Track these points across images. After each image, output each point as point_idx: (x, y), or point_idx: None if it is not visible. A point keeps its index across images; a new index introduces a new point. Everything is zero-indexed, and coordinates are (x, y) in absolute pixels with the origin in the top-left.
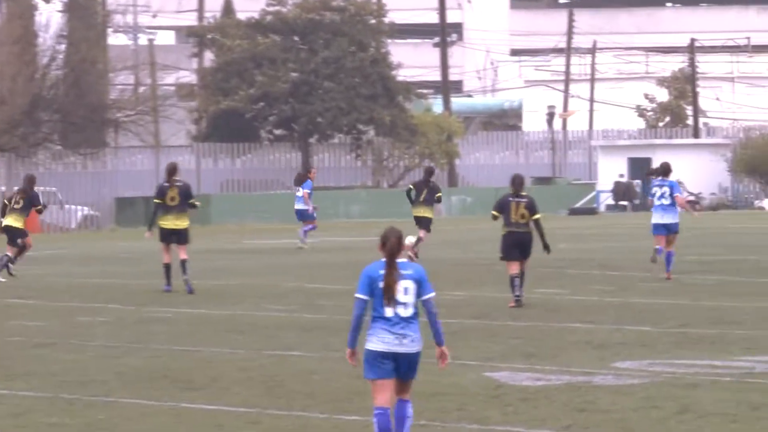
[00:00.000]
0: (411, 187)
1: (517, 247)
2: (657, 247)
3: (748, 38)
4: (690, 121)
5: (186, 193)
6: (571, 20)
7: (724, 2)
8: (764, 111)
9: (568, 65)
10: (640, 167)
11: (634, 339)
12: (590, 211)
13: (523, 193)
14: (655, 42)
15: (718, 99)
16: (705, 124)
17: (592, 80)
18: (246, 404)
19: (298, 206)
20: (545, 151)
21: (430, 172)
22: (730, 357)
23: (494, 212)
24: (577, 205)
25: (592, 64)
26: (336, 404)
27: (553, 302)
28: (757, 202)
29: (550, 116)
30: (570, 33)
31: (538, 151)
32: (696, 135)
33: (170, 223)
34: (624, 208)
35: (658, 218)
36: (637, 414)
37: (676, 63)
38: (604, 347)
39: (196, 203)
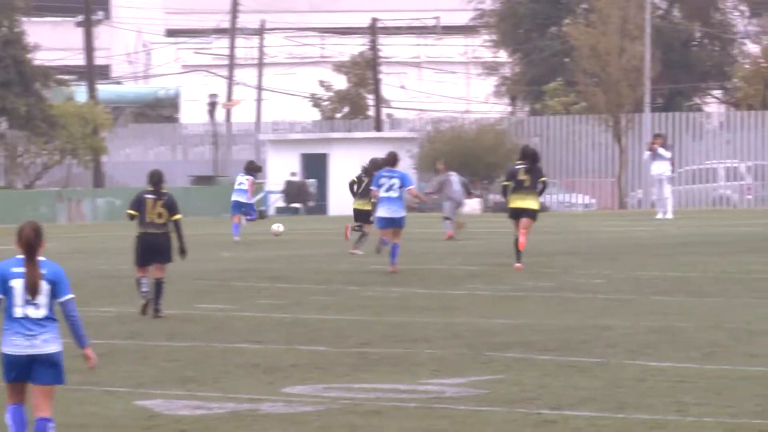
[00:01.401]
0: (355, 180)
1: (151, 250)
2: (383, 237)
3: (437, 18)
4: (372, 112)
5: None
6: None
7: None
8: (454, 100)
9: (232, 48)
10: (315, 164)
11: (308, 361)
12: (258, 214)
13: (163, 191)
14: (331, 22)
15: (403, 87)
16: (389, 115)
17: (260, 65)
18: None
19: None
20: (207, 146)
21: (375, 164)
22: (417, 380)
23: (130, 211)
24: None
25: (260, 47)
26: None
27: (217, 319)
28: None
29: (212, 106)
30: (234, 11)
31: (199, 146)
32: (378, 128)
33: None
34: (296, 210)
35: (383, 212)
36: None
37: (355, 46)
38: (273, 370)
39: None
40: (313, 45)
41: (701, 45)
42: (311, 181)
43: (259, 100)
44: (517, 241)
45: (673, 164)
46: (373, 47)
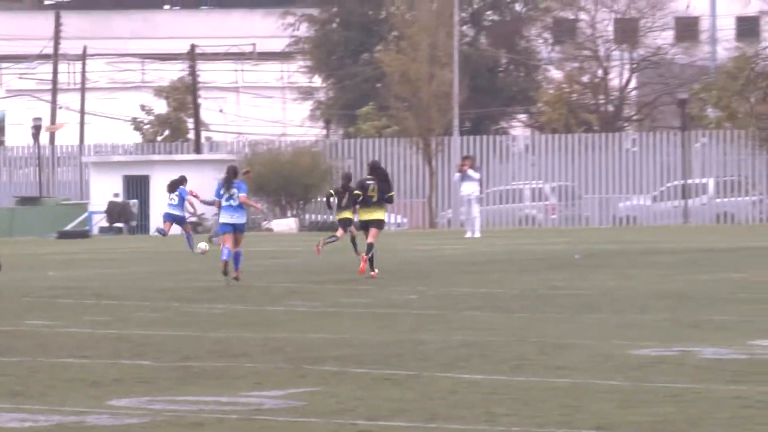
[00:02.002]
0: (331, 192)
1: None
2: (224, 248)
3: (254, 45)
4: (191, 135)
5: None
6: (58, 23)
7: (227, 6)
8: (271, 124)
9: (55, 73)
10: (136, 186)
11: (133, 375)
12: (82, 234)
13: None
14: (152, 48)
15: (221, 111)
16: (208, 138)
17: (83, 90)
18: None
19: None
20: (31, 168)
21: (348, 177)
22: (238, 392)
23: None
24: (68, 227)
25: (83, 72)
26: None
27: (43, 335)
28: (264, 223)
29: (37, 129)
30: (57, 37)
31: (24, 168)
32: (198, 150)
33: None
34: (120, 230)
35: (226, 218)
36: None
37: (175, 71)
38: (99, 384)
39: None
40: (134, 70)
41: (507, 71)
42: (133, 201)
43: (82, 124)
44: (369, 245)
45: (481, 185)
46: (193, 73)
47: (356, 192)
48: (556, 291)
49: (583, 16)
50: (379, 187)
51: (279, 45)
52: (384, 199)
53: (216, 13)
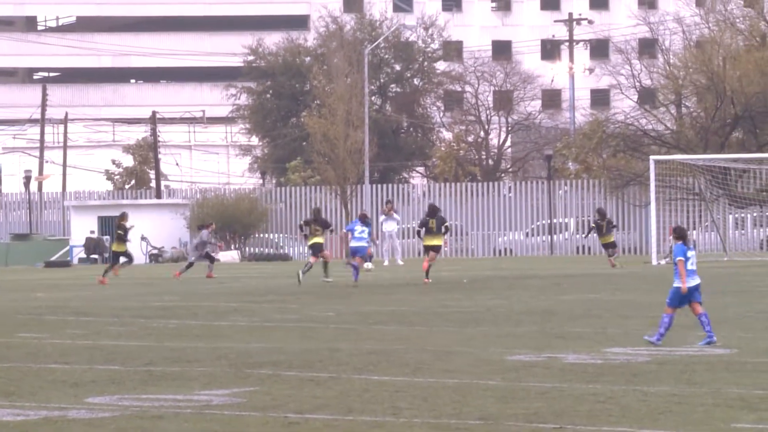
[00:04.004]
0: (302, 223)
1: None
2: (354, 262)
3: (203, 111)
4: (153, 184)
5: None
6: (44, 94)
7: (182, 79)
8: (218, 175)
9: (42, 134)
10: (109, 225)
11: (105, 377)
12: (64, 263)
13: None
14: (121, 114)
15: (177, 164)
16: (166, 186)
17: (65, 147)
18: None
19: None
20: (23, 211)
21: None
22: (191, 391)
23: None
24: (53, 258)
25: (65, 133)
26: None
27: (33, 345)
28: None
29: (27, 179)
30: (44, 105)
31: (17, 211)
32: (158, 196)
33: None
34: (95, 260)
35: (354, 243)
36: None
37: (140, 132)
38: (78, 385)
39: None
40: (107, 132)
41: (408, 132)
42: (106, 237)
43: (64, 175)
44: (428, 266)
45: (398, 223)
46: (154, 134)
47: (418, 229)
48: (447, 309)
49: (468, 88)
50: (436, 221)
51: (224, 111)
52: (441, 229)
53: (172, 86)
